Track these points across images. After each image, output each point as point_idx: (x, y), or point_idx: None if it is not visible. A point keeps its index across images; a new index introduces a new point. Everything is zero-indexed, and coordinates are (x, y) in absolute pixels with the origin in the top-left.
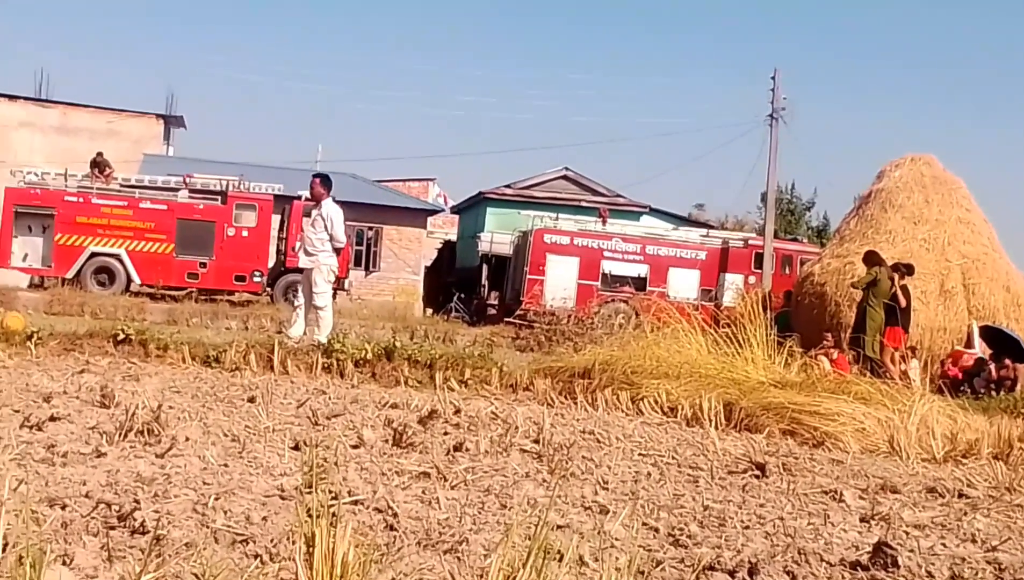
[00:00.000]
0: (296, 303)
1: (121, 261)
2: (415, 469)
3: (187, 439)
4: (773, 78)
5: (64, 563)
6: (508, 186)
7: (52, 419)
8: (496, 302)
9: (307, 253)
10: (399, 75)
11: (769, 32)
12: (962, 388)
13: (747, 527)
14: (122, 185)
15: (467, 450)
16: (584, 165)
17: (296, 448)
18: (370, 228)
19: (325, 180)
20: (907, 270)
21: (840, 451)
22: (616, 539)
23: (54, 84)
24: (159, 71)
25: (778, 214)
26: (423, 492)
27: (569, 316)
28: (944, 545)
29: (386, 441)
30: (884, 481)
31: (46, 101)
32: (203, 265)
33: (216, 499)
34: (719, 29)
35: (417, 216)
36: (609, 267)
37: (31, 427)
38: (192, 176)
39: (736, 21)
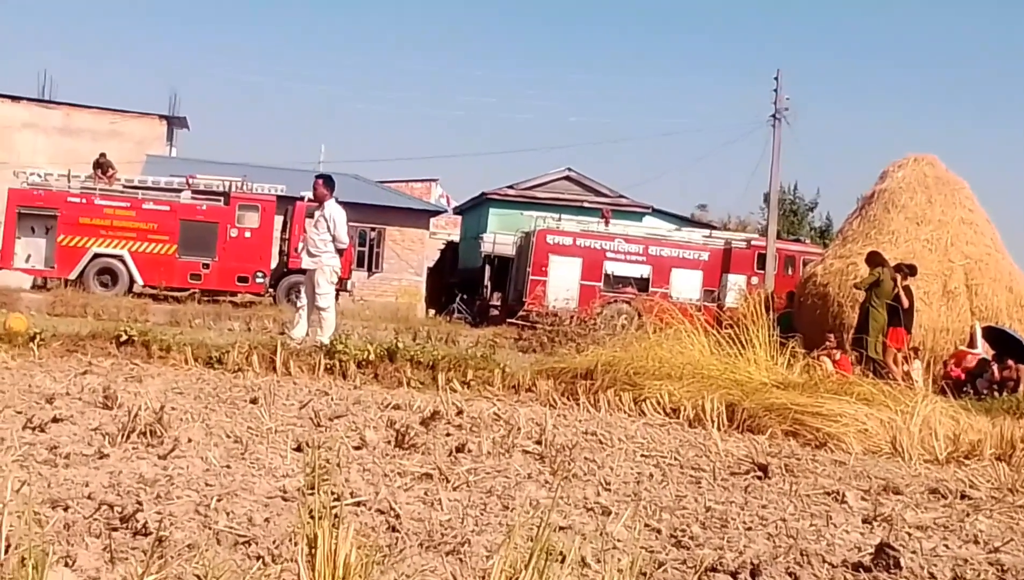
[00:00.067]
0: (299, 304)
1: (124, 262)
2: (417, 470)
3: (189, 440)
4: (776, 78)
5: (66, 564)
6: (511, 187)
7: (55, 420)
8: (499, 303)
9: (310, 254)
10: (400, 75)
11: (771, 32)
12: (965, 389)
13: (749, 528)
14: (125, 186)
15: (469, 451)
16: (586, 166)
17: (298, 449)
18: (373, 229)
19: (328, 181)
20: (910, 271)
21: (842, 452)
22: (618, 540)
23: (57, 85)
24: (162, 72)
25: (781, 215)
26: (425, 493)
27: (572, 317)
28: (946, 546)
29: (388, 442)
30: (886, 482)
31: (49, 102)
32: (206, 266)
33: (218, 500)
34: (721, 29)
35: (420, 217)
36: (612, 268)
37: (34, 428)
38: (195, 177)
39: (738, 21)
